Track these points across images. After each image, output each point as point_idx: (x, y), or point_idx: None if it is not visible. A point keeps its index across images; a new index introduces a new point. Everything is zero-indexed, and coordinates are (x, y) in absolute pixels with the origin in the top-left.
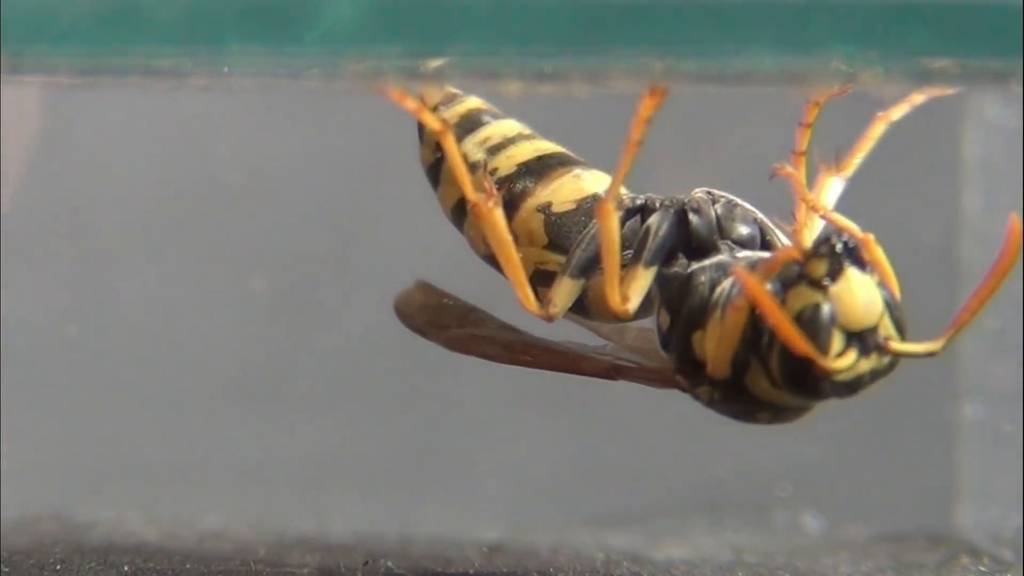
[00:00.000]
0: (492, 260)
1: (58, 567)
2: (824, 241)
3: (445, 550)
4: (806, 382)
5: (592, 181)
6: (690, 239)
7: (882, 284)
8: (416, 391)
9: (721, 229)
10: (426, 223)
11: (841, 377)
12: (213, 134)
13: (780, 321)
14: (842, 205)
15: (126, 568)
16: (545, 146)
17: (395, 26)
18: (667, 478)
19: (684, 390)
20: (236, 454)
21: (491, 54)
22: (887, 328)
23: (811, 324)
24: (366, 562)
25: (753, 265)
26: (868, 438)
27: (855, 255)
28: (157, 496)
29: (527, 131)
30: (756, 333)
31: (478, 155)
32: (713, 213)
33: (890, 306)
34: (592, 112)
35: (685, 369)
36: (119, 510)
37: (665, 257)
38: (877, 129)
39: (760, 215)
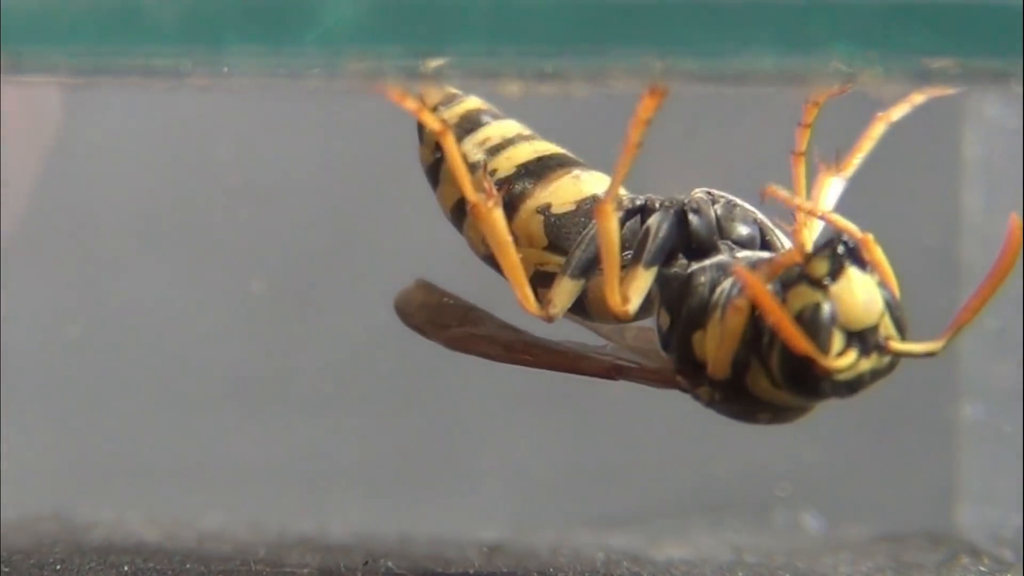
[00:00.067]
0: (492, 260)
1: (58, 567)
2: (826, 243)
3: (445, 550)
4: (806, 382)
5: (591, 182)
6: (690, 239)
7: (882, 284)
8: (416, 391)
9: (721, 229)
10: (426, 223)
11: (841, 377)
12: (213, 134)
13: (781, 320)
14: (842, 205)
15: (126, 568)
16: (545, 147)
17: (395, 26)
18: (667, 478)
19: (684, 390)
20: (236, 454)
21: (491, 54)
22: (887, 328)
23: (811, 323)
24: (366, 562)
25: (753, 265)
26: (868, 438)
27: (855, 255)
28: (157, 496)
29: (527, 132)
30: (756, 333)
31: (478, 155)
32: (713, 213)
33: (890, 306)
34: (592, 112)
35: (685, 369)
36: (119, 510)
37: (665, 257)
38: (877, 129)
39: (760, 215)
